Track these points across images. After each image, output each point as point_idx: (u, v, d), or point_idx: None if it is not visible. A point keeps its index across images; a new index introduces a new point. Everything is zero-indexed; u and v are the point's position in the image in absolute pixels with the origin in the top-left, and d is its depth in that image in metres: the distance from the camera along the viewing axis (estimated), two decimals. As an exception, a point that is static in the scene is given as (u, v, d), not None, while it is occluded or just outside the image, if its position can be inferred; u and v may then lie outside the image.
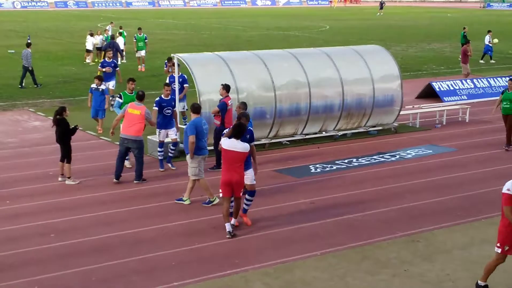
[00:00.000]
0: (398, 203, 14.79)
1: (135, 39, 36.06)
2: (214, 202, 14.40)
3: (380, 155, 18.91)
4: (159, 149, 17.37)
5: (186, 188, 14.60)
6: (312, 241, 12.41)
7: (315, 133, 20.55)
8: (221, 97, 17.03)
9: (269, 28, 63.50)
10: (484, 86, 27.88)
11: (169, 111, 17.31)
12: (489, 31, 40.46)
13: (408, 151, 19.37)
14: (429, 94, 27.65)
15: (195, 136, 14.07)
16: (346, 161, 18.26)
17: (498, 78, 29.71)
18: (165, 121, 17.28)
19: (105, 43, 36.22)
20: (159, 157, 17.37)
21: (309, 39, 51.69)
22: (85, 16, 78.43)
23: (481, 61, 39.55)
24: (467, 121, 23.63)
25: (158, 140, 17.43)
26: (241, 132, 12.56)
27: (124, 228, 13.24)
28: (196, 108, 14.49)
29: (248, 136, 13.10)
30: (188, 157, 14.28)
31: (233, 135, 12.51)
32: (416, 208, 14.51)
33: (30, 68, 29.55)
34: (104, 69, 24.49)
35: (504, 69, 36.12)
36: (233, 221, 13.00)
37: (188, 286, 10.74)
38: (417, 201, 14.92)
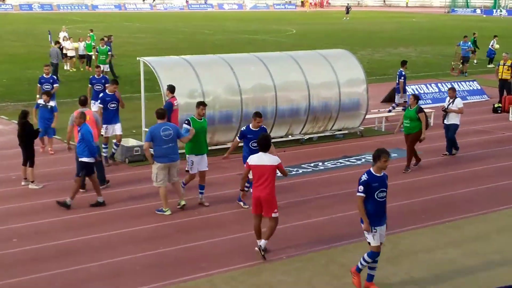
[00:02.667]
0: (363, 207, 14.80)
1: (97, 51, 33.01)
2: (166, 213, 14.18)
3: (346, 159, 18.99)
4: (103, 145, 17.85)
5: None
6: (279, 244, 12.37)
7: (281, 137, 20.55)
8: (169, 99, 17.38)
9: (236, 32, 63.51)
10: (447, 90, 28.08)
11: (114, 105, 17.82)
12: (495, 36, 41.01)
13: (373, 155, 19.43)
14: (394, 98, 27.78)
15: (153, 143, 14.02)
16: (312, 164, 18.30)
17: (462, 83, 30.05)
18: (110, 116, 17.74)
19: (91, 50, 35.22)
20: (104, 154, 17.75)
21: (276, 43, 51.79)
22: (50, 19, 77.59)
23: (489, 66, 40.05)
24: (431, 125, 23.77)
25: (103, 136, 17.88)
26: (268, 144, 11.83)
27: (88, 233, 13.09)
28: (159, 114, 14.36)
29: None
30: None
31: (260, 148, 11.83)
32: (381, 211, 14.56)
33: (57, 63, 31.59)
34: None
35: (470, 73, 36.50)
36: (262, 242, 11.96)
37: (153, 291, 10.66)
38: (382, 205, 14.97)
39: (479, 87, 30.09)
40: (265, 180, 11.64)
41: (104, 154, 17.55)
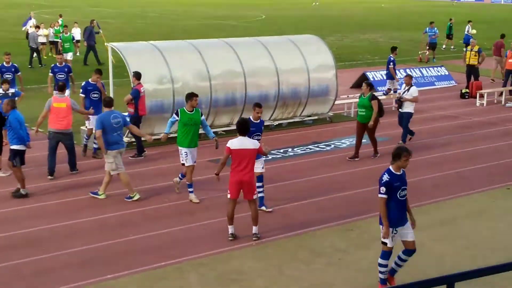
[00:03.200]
0: (332, 192, 14.93)
1: (61, 39, 32.41)
2: (134, 198, 14.13)
3: (316, 145, 19.06)
4: (85, 137, 17.60)
5: (102, 182, 14.40)
6: (249, 231, 12.37)
7: (251, 123, 20.52)
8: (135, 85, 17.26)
9: (205, 18, 63.20)
10: (416, 75, 28.32)
11: (96, 95, 17.35)
12: (469, 21, 41.04)
13: (343, 141, 19.58)
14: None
15: (103, 131, 13.92)
16: (281, 150, 18.34)
17: (430, 68, 30.28)
18: (92, 106, 17.16)
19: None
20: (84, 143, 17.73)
21: (246, 29, 51.65)
22: (16, 4, 76.47)
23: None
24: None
25: (86, 129, 17.59)
26: (247, 128, 12.04)
27: (56, 221, 13.00)
28: (107, 102, 14.40)
29: None
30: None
31: (239, 132, 11.98)
32: (350, 197, 14.68)
33: (36, 47, 32.07)
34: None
35: (437, 59, 36.76)
36: (254, 229, 12.14)
37: (122, 278, 10.61)
38: (351, 190, 15.10)
39: (447, 73, 30.34)
40: (247, 164, 11.85)
41: (83, 143, 17.56)
